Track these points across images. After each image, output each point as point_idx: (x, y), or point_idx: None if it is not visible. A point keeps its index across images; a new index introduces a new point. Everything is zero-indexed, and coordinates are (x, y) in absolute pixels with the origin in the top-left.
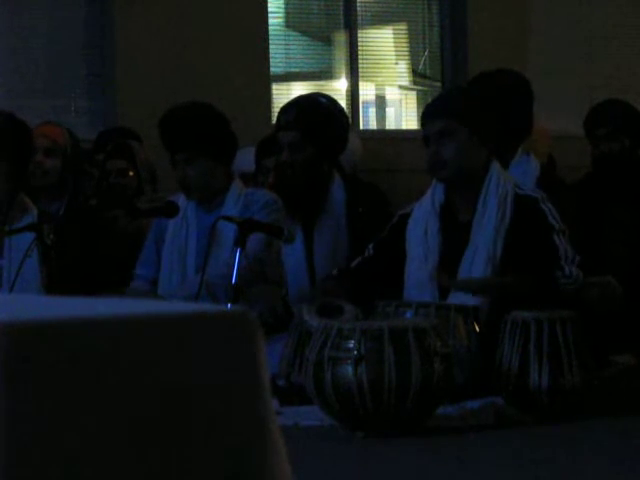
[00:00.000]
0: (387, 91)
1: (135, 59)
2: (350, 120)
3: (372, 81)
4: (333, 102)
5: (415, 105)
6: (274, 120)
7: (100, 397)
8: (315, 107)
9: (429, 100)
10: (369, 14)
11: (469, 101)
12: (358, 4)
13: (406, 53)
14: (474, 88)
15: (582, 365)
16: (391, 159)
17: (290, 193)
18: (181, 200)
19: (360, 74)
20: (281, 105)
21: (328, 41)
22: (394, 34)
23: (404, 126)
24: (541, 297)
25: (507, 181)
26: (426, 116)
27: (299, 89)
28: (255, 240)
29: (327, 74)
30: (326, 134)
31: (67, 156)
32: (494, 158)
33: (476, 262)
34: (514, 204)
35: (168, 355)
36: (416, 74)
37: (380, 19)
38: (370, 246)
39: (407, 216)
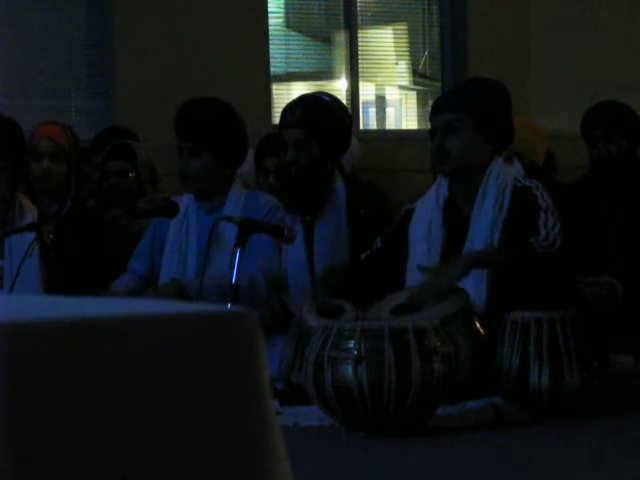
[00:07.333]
0: (387, 91)
1: (135, 59)
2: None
3: (372, 81)
4: (336, 101)
5: (415, 105)
6: (274, 120)
7: (100, 397)
8: (320, 106)
9: (429, 100)
10: (369, 14)
11: (479, 97)
12: (358, 4)
13: (406, 53)
14: (486, 85)
15: (582, 365)
16: (391, 159)
17: (293, 191)
18: (182, 201)
19: (360, 74)
20: (281, 105)
21: (328, 41)
22: (394, 34)
23: (404, 126)
24: (517, 265)
25: (507, 175)
26: (435, 109)
27: (299, 89)
28: (270, 259)
29: (327, 74)
30: (331, 133)
31: (71, 159)
32: (498, 155)
33: None
34: (512, 196)
35: (168, 355)
36: (416, 74)
37: (380, 19)
38: (378, 239)
39: (412, 211)
